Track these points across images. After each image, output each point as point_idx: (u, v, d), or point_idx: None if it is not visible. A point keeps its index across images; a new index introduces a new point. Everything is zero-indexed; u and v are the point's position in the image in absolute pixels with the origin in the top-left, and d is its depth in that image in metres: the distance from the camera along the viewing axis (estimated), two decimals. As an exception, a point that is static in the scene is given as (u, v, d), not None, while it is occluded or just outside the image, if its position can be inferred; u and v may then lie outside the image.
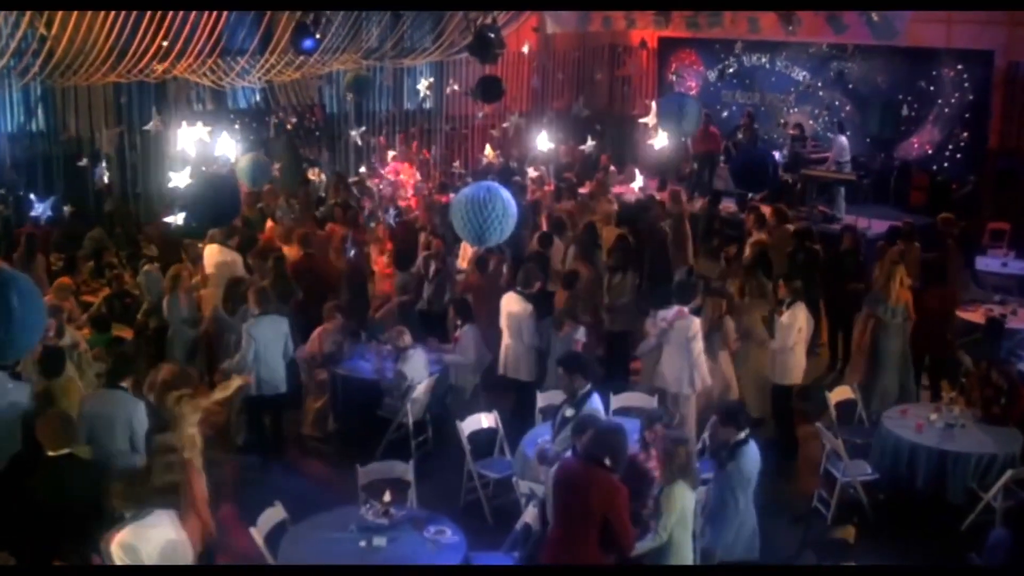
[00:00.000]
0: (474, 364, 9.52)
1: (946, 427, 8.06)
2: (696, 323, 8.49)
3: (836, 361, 11.24)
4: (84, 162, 12.73)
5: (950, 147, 16.54)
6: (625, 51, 20.27)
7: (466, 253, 11.76)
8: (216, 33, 12.11)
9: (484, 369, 9.66)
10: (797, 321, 8.89)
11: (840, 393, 8.86)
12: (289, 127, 15.76)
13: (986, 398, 8.24)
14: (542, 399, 8.42)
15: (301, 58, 13.20)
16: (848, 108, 17.53)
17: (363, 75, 14.71)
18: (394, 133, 16.88)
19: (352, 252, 11.12)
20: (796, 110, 18.16)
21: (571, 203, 13.56)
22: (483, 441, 8.21)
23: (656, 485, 5.97)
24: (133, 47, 11.49)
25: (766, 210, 12.56)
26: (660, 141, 13.43)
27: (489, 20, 12.57)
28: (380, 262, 11.70)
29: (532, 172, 15.25)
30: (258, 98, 15.97)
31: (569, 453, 5.90)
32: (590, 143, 16.66)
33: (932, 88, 16.58)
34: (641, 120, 13.91)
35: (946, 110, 16.47)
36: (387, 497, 6.59)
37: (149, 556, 5.16)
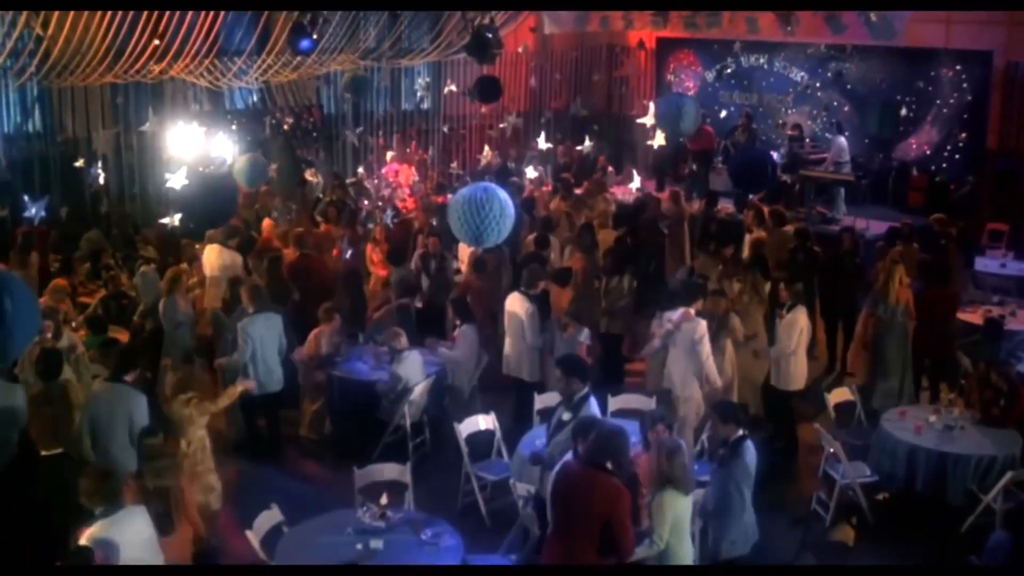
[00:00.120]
0: (472, 365, 9.49)
1: (945, 429, 8.03)
2: (702, 325, 8.41)
3: (835, 363, 11.22)
4: (80, 163, 12.70)
5: (949, 147, 16.51)
6: (623, 51, 20.24)
7: (464, 254, 11.75)
8: (213, 33, 12.08)
9: (482, 370, 9.63)
10: (798, 324, 8.87)
11: (839, 395, 8.84)
12: (286, 128, 15.72)
13: (985, 400, 8.21)
14: (540, 401, 8.40)
15: (298, 58, 13.18)
16: (846, 108, 17.50)
17: (361, 75, 14.69)
18: (391, 134, 16.86)
19: (349, 253, 11.11)
20: (794, 110, 18.13)
21: (561, 201, 13.49)
22: (481, 443, 8.18)
23: (647, 492, 5.94)
24: (130, 47, 11.46)
25: (765, 210, 12.54)
26: (658, 141, 13.42)
27: (487, 20, 12.56)
28: (377, 262, 11.68)
29: (530, 172, 15.23)
30: (255, 99, 15.93)
31: (569, 456, 5.87)
32: (588, 143, 16.64)
33: (931, 88, 16.55)
34: (639, 120, 13.90)
35: (945, 110, 16.45)
36: (384, 500, 6.58)
37: (118, 551, 5.16)
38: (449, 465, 8.39)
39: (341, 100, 16.42)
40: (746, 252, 11.33)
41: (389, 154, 16.02)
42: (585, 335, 8.80)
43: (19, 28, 10.62)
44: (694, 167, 17.48)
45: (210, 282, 10.50)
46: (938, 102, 16.49)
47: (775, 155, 16.15)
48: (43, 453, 6.76)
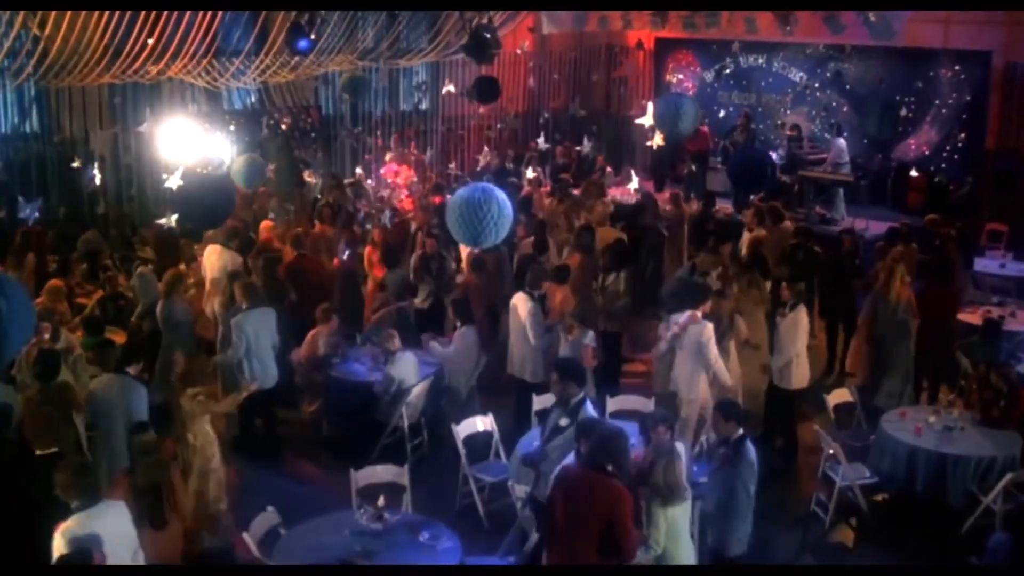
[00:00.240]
0: (469, 366, 9.46)
1: (945, 430, 8.01)
2: (709, 328, 8.37)
3: (834, 363, 11.19)
4: (77, 163, 12.67)
5: (948, 148, 16.51)
6: (622, 52, 20.21)
7: (464, 254, 11.71)
8: (211, 34, 12.05)
9: (480, 371, 9.60)
10: (801, 324, 8.84)
11: (838, 396, 8.82)
12: (284, 128, 15.69)
13: (985, 400, 8.19)
14: (539, 402, 8.36)
15: (296, 59, 13.15)
16: (845, 109, 17.49)
17: (359, 76, 14.66)
18: (390, 134, 16.83)
19: (346, 254, 11.08)
20: (793, 111, 18.11)
21: (558, 204, 13.45)
22: (479, 444, 8.15)
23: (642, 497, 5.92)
24: (127, 48, 11.43)
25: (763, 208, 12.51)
26: (657, 142, 13.40)
27: (485, 20, 12.53)
28: (376, 263, 11.63)
29: (529, 173, 15.20)
30: (253, 99, 15.90)
31: (571, 458, 5.85)
32: (586, 144, 16.62)
33: (930, 89, 16.54)
34: (638, 121, 13.87)
35: (944, 111, 16.44)
36: (382, 502, 6.55)
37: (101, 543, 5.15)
38: (447, 467, 8.36)
39: (339, 100, 16.39)
40: (744, 251, 11.30)
41: (387, 155, 15.99)
42: (590, 338, 8.75)
43: (16, 28, 10.59)
44: (692, 168, 17.46)
45: (211, 284, 10.47)
46: (937, 102, 16.48)
47: (774, 155, 16.14)
48: (38, 453, 6.74)
